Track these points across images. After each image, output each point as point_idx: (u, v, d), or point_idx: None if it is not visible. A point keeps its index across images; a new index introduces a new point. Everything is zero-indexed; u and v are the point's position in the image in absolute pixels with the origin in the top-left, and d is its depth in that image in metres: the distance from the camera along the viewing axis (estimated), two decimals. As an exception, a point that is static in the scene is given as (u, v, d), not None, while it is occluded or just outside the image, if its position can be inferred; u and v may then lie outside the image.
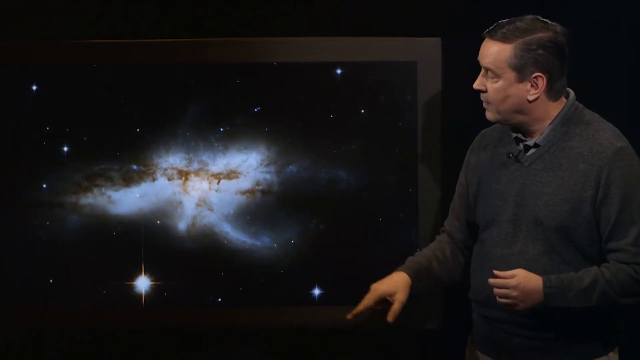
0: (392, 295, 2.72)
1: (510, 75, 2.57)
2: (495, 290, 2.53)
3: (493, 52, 2.59)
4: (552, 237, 2.58)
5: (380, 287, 2.74)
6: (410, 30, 3.23)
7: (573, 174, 2.57)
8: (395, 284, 2.73)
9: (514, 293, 2.50)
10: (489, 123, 2.75)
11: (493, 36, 2.60)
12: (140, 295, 3.26)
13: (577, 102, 2.66)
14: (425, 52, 3.19)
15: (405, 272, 2.76)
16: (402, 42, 3.21)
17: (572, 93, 2.66)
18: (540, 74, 2.57)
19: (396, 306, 2.69)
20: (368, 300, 2.73)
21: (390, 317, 2.69)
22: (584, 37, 3.16)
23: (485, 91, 2.62)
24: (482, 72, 2.63)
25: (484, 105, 2.65)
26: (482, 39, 2.64)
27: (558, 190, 2.57)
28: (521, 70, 2.57)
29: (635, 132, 2.71)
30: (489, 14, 2.79)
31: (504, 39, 2.57)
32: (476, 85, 2.63)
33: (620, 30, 3.25)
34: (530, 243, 2.60)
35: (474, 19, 3.17)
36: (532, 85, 2.58)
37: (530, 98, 2.59)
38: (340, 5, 3.32)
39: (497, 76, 2.59)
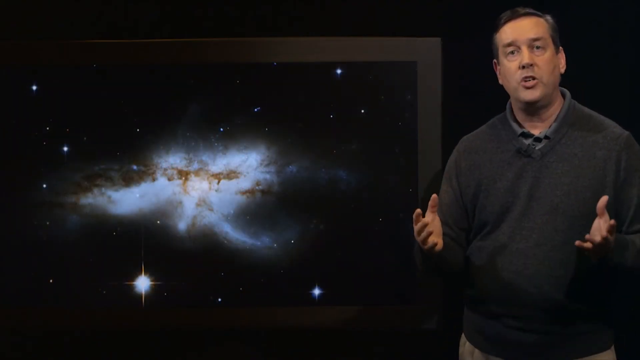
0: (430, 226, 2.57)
1: (552, 46, 2.67)
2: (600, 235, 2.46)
3: (537, 23, 2.67)
4: (574, 226, 2.60)
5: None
6: (410, 30, 3.23)
7: (591, 162, 2.62)
8: (437, 224, 2.62)
9: (611, 237, 2.45)
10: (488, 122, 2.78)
11: (524, 13, 2.67)
12: (140, 295, 3.27)
13: (572, 99, 2.74)
14: (425, 52, 3.20)
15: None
16: (402, 42, 3.22)
17: (567, 91, 2.73)
18: (561, 47, 2.70)
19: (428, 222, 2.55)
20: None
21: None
22: (584, 37, 3.16)
23: (532, 65, 2.63)
24: (526, 49, 2.64)
25: (530, 83, 2.63)
26: (502, 24, 2.68)
27: (578, 179, 2.61)
28: (555, 42, 2.68)
29: (636, 132, 2.71)
30: (489, 14, 2.78)
31: (536, 14, 2.68)
32: (527, 59, 2.63)
33: (620, 30, 3.25)
34: (548, 235, 2.62)
35: (474, 19, 3.18)
36: (560, 58, 2.70)
37: (562, 70, 2.69)
38: (340, 5, 3.31)
39: (544, 47, 2.65)
